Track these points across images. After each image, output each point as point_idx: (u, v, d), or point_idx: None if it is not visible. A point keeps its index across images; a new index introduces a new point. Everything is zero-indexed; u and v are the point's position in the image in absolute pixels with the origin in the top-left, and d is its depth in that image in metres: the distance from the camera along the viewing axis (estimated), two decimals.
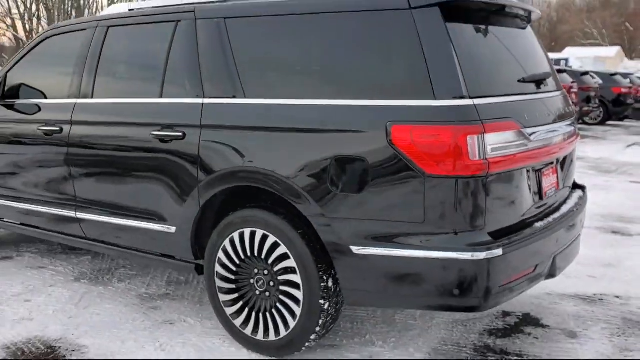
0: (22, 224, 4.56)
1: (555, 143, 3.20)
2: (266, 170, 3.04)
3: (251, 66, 3.23)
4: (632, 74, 21.76)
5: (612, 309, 3.90)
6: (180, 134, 3.33)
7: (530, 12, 3.42)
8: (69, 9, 46.99)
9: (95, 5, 48.54)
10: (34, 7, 48.45)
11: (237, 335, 3.33)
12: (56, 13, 48.39)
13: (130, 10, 3.91)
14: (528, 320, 3.71)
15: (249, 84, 3.18)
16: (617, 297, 4.11)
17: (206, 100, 3.29)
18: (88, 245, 4.12)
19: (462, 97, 2.64)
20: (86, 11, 49.33)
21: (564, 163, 3.47)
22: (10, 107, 4.40)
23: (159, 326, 3.64)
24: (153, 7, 3.81)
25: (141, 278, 4.45)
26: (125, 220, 3.71)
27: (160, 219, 3.52)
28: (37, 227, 4.42)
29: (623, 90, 17.78)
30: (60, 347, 3.39)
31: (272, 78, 3.20)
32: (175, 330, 3.57)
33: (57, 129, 3.94)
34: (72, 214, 4.00)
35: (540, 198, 3.12)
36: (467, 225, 2.66)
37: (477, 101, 2.67)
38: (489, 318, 3.73)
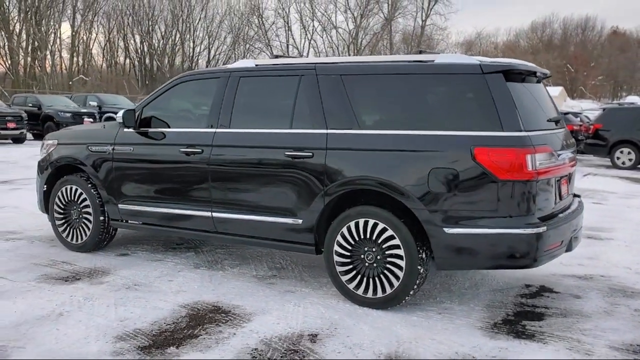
0: (144, 224, 5.84)
1: (567, 163, 4.75)
2: (380, 178, 4.47)
3: (363, 108, 4.70)
4: (581, 113, 24.18)
5: (600, 283, 5.46)
6: (310, 154, 4.74)
7: (545, 74, 5.01)
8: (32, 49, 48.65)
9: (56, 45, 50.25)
10: None
11: (351, 295, 4.70)
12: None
13: (256, 65, 5.32)
14: (545, 289, 5.22)
15: (362, 120, 4.64)
16: (602, 276, 5.69)
17: (329, 131, 4.72)
18: (213, 237, 5.44)
19: (520, 130, 4.17)
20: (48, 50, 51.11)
21: (570, 177, 5.03)
22: (144, 134, 5.72)
23: (284, 294, 4.97)
24: (275, 64, 5.23)
25: (246, 266, 5.77)
26: (257, 217, 5.05)
27: (291, 214, 4.88)
28: (160, 225, 5.71)
29: (575, 127, 19.92)
30: (221, 306, 4.68)
31: (380, 116, 4.68)
32: (298, 296, 4.92)
33: (199, 150, 5.28)
34: (207, 213, 5.31)
35: (560, 199, 4.65)
36: (525, 212, 4.16)
37: (529, 133, 4.20)
38: (517, 288, 5.23)
